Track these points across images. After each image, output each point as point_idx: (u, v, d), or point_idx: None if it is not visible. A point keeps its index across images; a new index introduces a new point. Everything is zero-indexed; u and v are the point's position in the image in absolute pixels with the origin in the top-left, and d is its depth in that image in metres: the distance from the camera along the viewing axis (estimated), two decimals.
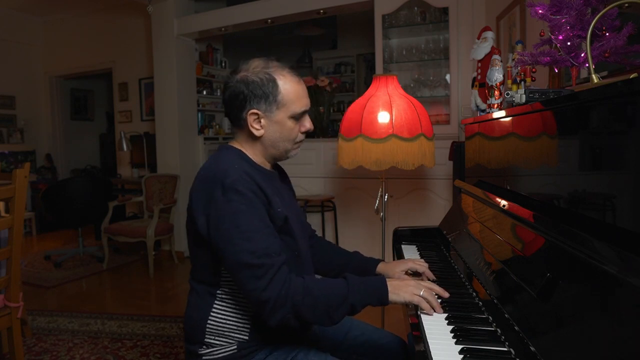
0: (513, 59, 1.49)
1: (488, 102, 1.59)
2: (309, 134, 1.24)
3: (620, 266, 0.69)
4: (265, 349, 1.13)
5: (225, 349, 1.11)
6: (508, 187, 1.32)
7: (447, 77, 3.24)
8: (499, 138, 1.39)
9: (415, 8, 3.33)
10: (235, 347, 1.11)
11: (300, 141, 1.19)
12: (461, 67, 3.10)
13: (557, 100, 0.99)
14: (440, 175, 3.15)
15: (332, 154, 3.50)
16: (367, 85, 4.82)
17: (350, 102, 2.52)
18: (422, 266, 1.31)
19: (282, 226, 1.10)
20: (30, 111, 5.96)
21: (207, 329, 1.12)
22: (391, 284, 1.07)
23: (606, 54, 1.14)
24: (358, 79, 6.35)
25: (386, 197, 2.26)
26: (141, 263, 4.26)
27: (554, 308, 0.79)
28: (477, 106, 1.89)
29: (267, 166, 1.20)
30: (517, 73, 1.46)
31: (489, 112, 1.55)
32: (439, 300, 1.08)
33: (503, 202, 1.25)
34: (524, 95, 1.16)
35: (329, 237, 3.61)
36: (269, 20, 3.99)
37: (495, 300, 0.99)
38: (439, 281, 1.27)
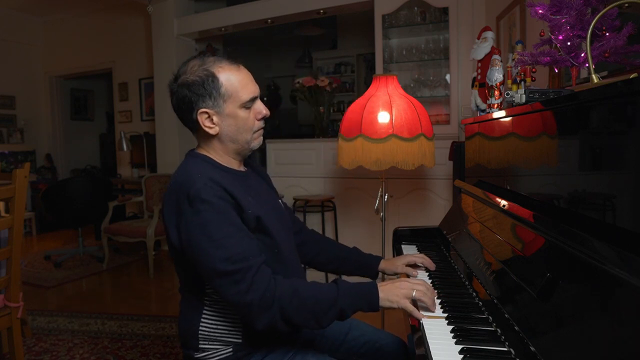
0: (513, 59, 1.49)
1: (488, 102, 1.59)
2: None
3: (620, 266, 0.68)
4: (262, 351, 1.12)
5: (221, 352, 1.11)
6: (508, 187, 1.32)
7: (447, 77, 3.24)
8: (499, 138, 1.39)
9: (415, 8, 3.33)
10: (231, 349, 1.11)
11: (260, 129, 1.16)
12: (461, 67, 3.10)
13: (557, 100, 0.99)
14: (440, 175, 3.15)
15: (332, 154, 3.50)
16: (367, 85, 4.82)
17: (350, 102, 2.52)
18: (420, 258, 1.34)
19: (255, 227, 1.08)
20: (30, 111, 5.96)
21: (200, 335, 1.11)
22: (382, 290, 1.03)
23: (606, 54, 1.14)
24: (358, 79, 6.34)
25: (386, 197, 2.26)
26: (141, 263, 4.26)
27: (554, 308, 0.79)
28: (477, 106, 1.89)
29: (236, 165, 1.18)
30: (517, 73, 1.46)
31: (489, 112, 1.55)
32: (438, 300, 1.08)
33: (503, 202, 1.25)
34: (524, 95, 1.16)
35: (329, 237, 3.60)
36: (269, 20, 3.99)
37: (495, 300, 0.99)
38: (439, 281, 1.27)
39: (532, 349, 0.76)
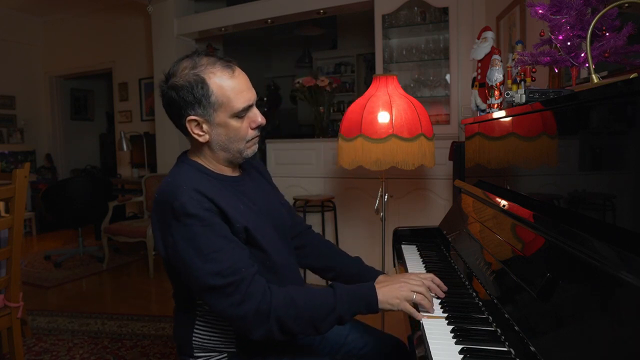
0: (513, 59, 1.49)
1: (488, 102, 1.59)
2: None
3: (620, 266, 0.68)
4: (258, 357, 1.10)
5: (217, 357, 1.11)
6: (508, 187, 1.32)
7: (447, 77, 3.23)
8: (499, 138, 1.39)
9: (415, 8, 3.33)
10: (226, 356, 1.10)
11: (254, 138, 1.08)
12: (461, 67, 3.10)
13: (557, 100, 0.99)
14: (440, 175, 3.15)
15: (332, 154, 3.50)
16: (367, 85, 4.82)
17: (350, 102, 2.52)
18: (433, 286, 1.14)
19: (246, 239, 1.03)
20: (30, 111, 5.96)
21: (194, 344, 1.10)
22: (381, 291, 1.01)
23: (606, 54, 1.14)
24: (358, 79, 6.35)
25: (386, 197, 2.26)
26: (141, 263, 4.26)
27: (554, 308, 0.79)
28: (477, 106, 1.89)
29: (229, 171, 1.12)
30: (517, 73, 1.46)
31: (489, 112, 1.55)
32: (438, 300, 1.08)
33: (503, 202, 1.25)
34: (524, 95, 1.16)
35: (329, 237, 3.60)
36: (269, 20, 3.99)
37: (495, 300, 0.98)
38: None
39: (532, 349, 0.76)
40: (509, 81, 1.49)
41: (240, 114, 1.03)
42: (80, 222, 4.32)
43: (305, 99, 3.72)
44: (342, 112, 5.85)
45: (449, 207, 2.40)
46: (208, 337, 1.09)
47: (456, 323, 0.98)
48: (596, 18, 1.03)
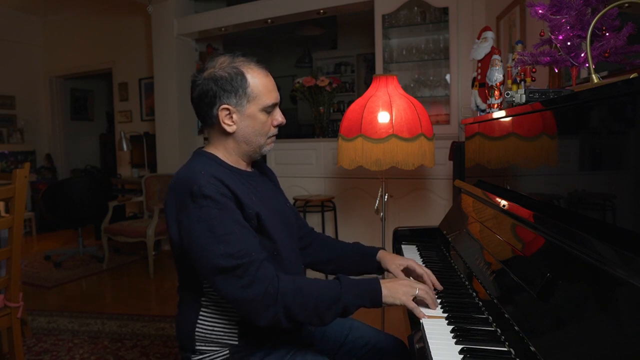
0: (513, 59, 1.49)
1: (488, 102, 1.59)
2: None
3: (620, 266, 0.68)
4: (259, 353, 1.11)
5: (218, 354, 1.11)
6: (508, 187, 1.32)
7: (447, 77, 3.23)
8: (499, 138, 1.39)
9: (415, 8, 3.33)
10: (227, 351, 1.10)
11: (273, 135, 1.17)
12: (461, 67, 3.10)
13: (557, 100, 0.99)
14: (440, 175, 3.15)
15: (332, 154, 3.50)
16: (367, 85, 4.82)
17: (350, 102, 2.52)
18: (422, 270, 1.22)
19: (256, 226, 1.08)
20: (30, 111, 5.96)
21: (197, 337, 1.11)
22: (385, 286, 1.04)
23: (606, 54, 1.14)
24: (358, 79, 6.35)
25: (386, 197, 2.26)
26: (141, 263, 4.26)
27: (554, 308, 0.79)
28: (477, 106, 1.89)
29: (243, 166, 1.18)
30: (517, 73, 1.46)
31: (489, 112, 1.55)
32: (438, 300, 1.08)
33: (503, 202, 1.25)
34: (524, 95, 1.16)
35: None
36: (269, 20, 3.99)
37: (495, 300, 0.99)
38: (438, 281, 1.26)
39: (532, 349, 0.76)
40: (509, 81, 1.49)
41: (268, 109, 1.12)
42: (80, 222, 4.32)
43: (305, 99, 3.72)
44: (342, 112, 5.85)
45: (449, 207, 2.40)
46: (211, 329, 1.11)
47: (456, 323, 0.98)
48: (596, 18, 1.03)
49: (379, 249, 1.36)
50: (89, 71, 5.78)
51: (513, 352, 0.83)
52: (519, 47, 1.51)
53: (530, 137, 1.14)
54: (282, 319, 0.98)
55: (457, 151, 2.46)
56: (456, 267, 1.38)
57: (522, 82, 1.44)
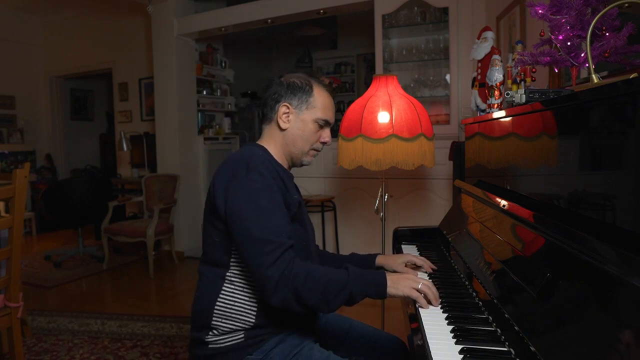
0: (513, 59, 1.49)
1: (488, 102, 1.59)
2: None
3: (620, 266, 0.68)
4: (271, 341, 1.14)
5: (232, 337, 1.13)
6: (508, 187, 1.32)
7: (447, 77, 3.23)
8: (499, 138, 1.39)
9: (415, 8, 3.33)
10: (242, 336, 1.13)
11: (317, 150, 1.28)
12: (461, 67, 3.10)
13: (557, 100, 0.99)
14: (440, 175, 3.15)
15: (332, 154, 3.50)
16: (367, 85, 4.81)
17: (350, 102, 2.52)
18: (421, 260, 1.37)
19: (295, 213, 1.17)
20: (30, 111, 5.96)
21: (215, 312, 1.14)
22: (390, 278, 1.09)
23: (606, 54, 1.14)
24: (358, 79, 6.34)
25: (386, 197, 2.26)
26: (141, 263, 4.26)
27: (554, 308, 0.79)
28: (477, 106, 1.89)
29: (285, 166, 1.28)
30: (517, 73, 1.45)
31: (489, 112, 1.55)
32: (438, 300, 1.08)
33: (503, 202, 1.25)
34: (524, 95, 1.16)
35: (329, 237, 3.61)
36: (269, 20, 3.99)
37: (495, 300, 0.99)
38: (439, 281, 1.27)
39: (532, 349, 0.76)
40: (509, 81, 1.49)
41: (320, 122, 1.25)
42: (80, 222, 4.32)
43: None
44: (342, 112, 5.85)
45: (449, 207, 2.40)
46: (232, 304, 1.14)
47: (456, 323, 0.98)
48: (596, 18, 1.03)
49: (375, 255, 1.43)
50: (89, 71, 5.78)
51: (513, 352, 0.83)
52: (519, 47, 1.51)
53: (530, 137, 1.14)
54: (291, 302, 1.04)
55: (457, 151, 2.45)
56: (456, 267, 1.38)
57: (522, 82, 1.44)
